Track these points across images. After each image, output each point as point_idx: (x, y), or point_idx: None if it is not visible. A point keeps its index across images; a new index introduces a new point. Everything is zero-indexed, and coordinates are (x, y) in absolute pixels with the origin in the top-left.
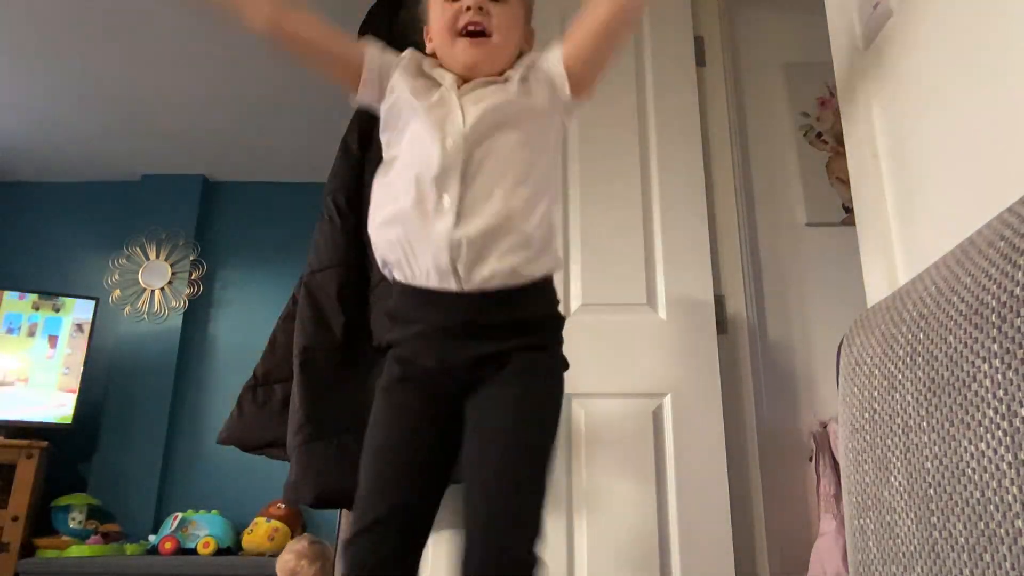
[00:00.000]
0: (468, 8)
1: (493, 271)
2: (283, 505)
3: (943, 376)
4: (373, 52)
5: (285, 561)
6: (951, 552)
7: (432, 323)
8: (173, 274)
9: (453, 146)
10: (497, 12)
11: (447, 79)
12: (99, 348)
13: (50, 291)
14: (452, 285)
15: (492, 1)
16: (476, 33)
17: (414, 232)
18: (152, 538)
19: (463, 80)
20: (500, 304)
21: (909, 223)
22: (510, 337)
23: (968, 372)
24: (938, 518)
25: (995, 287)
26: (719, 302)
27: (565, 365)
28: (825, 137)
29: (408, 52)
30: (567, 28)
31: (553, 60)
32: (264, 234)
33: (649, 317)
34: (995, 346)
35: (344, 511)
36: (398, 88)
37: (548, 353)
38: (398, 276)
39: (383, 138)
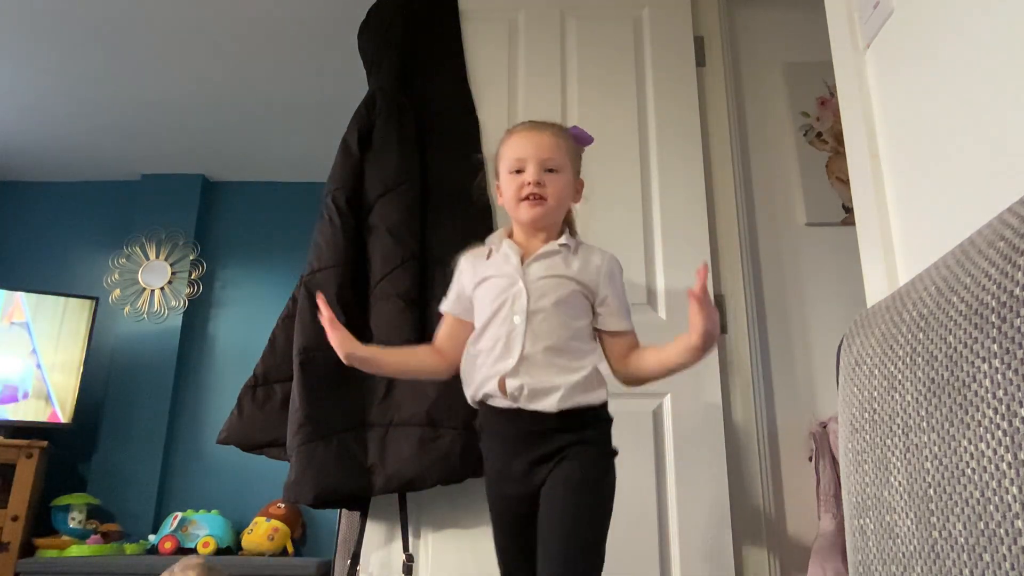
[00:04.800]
0: (529, 183)
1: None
2: (283, 505)
3: (943, 376)
4: (454, 309)
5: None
6: (951, 552)
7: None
8: (173, 274)
9: (520, 319)
10: (551, 181)
11: (512, 259)
12: (99, 348)
13: (50, 291)
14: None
15: (548, 172)
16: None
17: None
18: (152, 538)
19: (526, 249)
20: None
21: (909, 223)
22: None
23: (968, 372)
24: (938, 518)
25: (995, 287)
26: (719, 302)
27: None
28: (825, 137)
29: (463, 261)
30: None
31: (607, 318)
32: (264, 234)
33: (649, 317)
34: (995, 346)
35: (344, 511)
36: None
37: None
38: None
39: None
